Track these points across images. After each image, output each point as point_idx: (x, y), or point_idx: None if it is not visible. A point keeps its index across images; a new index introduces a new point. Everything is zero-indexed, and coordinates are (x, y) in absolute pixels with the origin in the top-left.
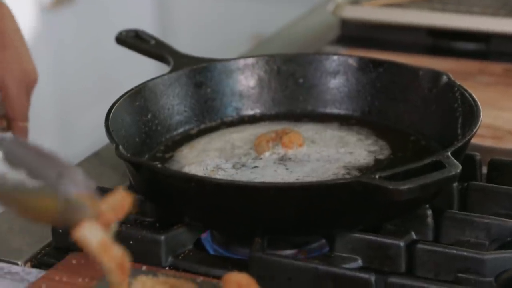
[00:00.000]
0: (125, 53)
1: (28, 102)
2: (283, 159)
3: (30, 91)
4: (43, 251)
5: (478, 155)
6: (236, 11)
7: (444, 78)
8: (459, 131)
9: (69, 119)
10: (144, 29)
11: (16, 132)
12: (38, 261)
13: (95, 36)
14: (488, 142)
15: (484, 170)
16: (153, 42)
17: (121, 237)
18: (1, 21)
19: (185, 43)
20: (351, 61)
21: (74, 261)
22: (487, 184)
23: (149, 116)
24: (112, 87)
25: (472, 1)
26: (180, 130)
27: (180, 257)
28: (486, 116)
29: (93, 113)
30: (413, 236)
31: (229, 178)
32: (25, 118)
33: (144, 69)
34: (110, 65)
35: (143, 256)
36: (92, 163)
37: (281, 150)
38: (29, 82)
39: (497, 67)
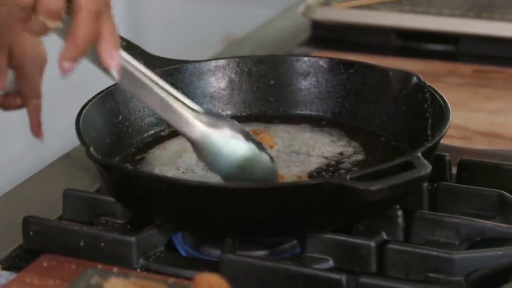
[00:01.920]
0: None
1: (41, 81)
2: None
3: (42, 71)
4: (14, 254)
5: (448, 156)
6: (207, 12)
7: (414, 79)
8: (429, 132)
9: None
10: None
11: (30, 109)
12: (9, 264)
13: None
14: (457, 143)
15: (454, 170)
16: (123, 43)
17: (92, 239)
18: None
19: (155, 45)
20: (321, 62)
21: (45, 264)
22: (456, 184)
23: (120, 117)
24: (83, 89)
25: (441, 3)
26: (151, 131)
27: (151, 259)
28: (455, 117)
29: (63, 114)
30: (384, 236)
31: (199, 179)
32: (40, 96)
33: None
34: (80, 66)
35: (114, 258)
36: (62, 164)
37: None
38: (41, 63)
39: (466, 68)
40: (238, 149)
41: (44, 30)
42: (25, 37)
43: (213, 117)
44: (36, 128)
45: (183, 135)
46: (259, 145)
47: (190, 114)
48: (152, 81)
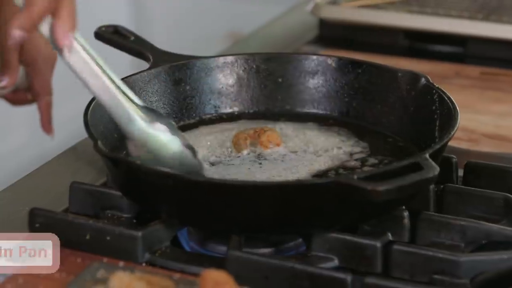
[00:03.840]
0: (103, 48)
1: (51, 78)
2: (259, 158)
3: (53, 68)
4: None
5: (454, 158)
6: (213, 8)
7: (423, 80)
8: (436, 133)
9: None
10: (120, 24)
11: (41, 105)
12: None
13: None
14: (463, 145)
15: (460, 172)
16: (132, 38)
17: (98, 233)
18: None
19: (161, 40)
20: (330, 61)
21: None
22: (463, 186)
23: None
24: None
25: (449, 4)
26: None
27: (157, 254)
28: (462, 119)
29: (70, 107)
30: (390, 237)
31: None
32: (50, 93)
33: (122, 65)
34: None
35: (120, 252)
36: (69, 157)
37: (259, 149)
38: (53, 60)
39: (473, 70)
40: (171, 143)
41: None
42: (37, 34)
43: (149, 111)
44: (47, 125)
45: (122, 129)
46: (183, 139)
47: (133, 109)
48: (102, 70)
